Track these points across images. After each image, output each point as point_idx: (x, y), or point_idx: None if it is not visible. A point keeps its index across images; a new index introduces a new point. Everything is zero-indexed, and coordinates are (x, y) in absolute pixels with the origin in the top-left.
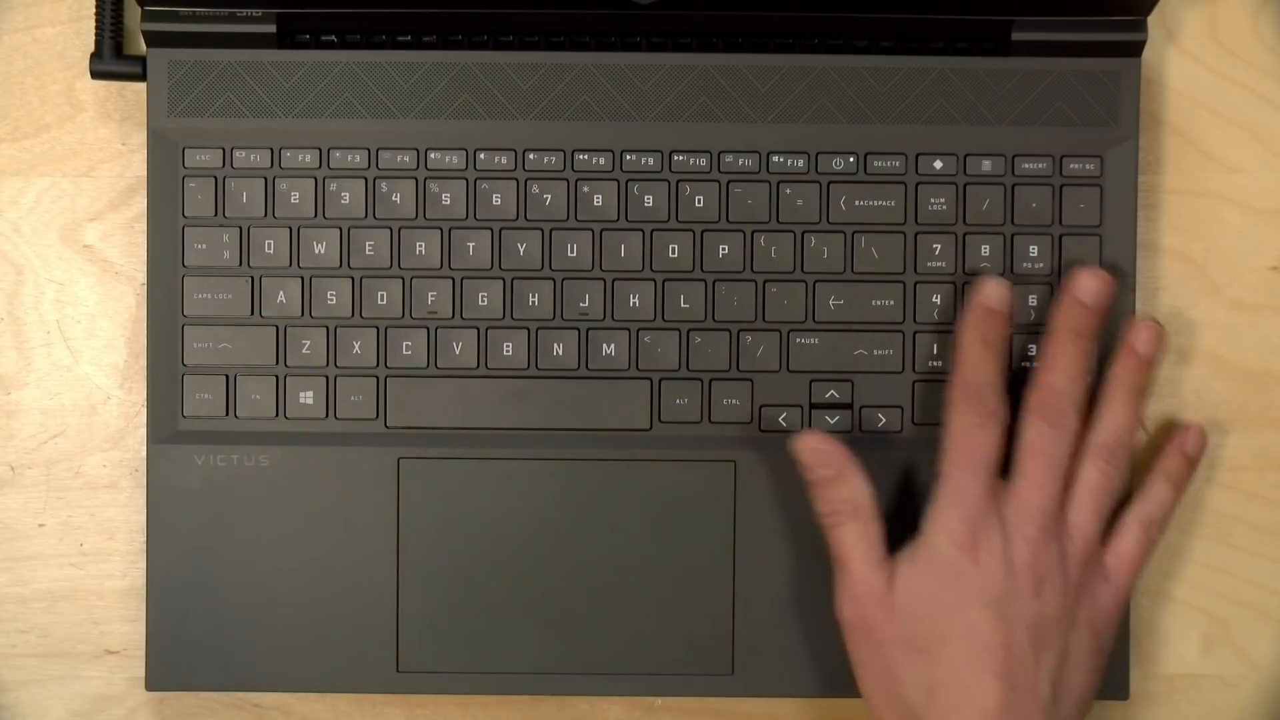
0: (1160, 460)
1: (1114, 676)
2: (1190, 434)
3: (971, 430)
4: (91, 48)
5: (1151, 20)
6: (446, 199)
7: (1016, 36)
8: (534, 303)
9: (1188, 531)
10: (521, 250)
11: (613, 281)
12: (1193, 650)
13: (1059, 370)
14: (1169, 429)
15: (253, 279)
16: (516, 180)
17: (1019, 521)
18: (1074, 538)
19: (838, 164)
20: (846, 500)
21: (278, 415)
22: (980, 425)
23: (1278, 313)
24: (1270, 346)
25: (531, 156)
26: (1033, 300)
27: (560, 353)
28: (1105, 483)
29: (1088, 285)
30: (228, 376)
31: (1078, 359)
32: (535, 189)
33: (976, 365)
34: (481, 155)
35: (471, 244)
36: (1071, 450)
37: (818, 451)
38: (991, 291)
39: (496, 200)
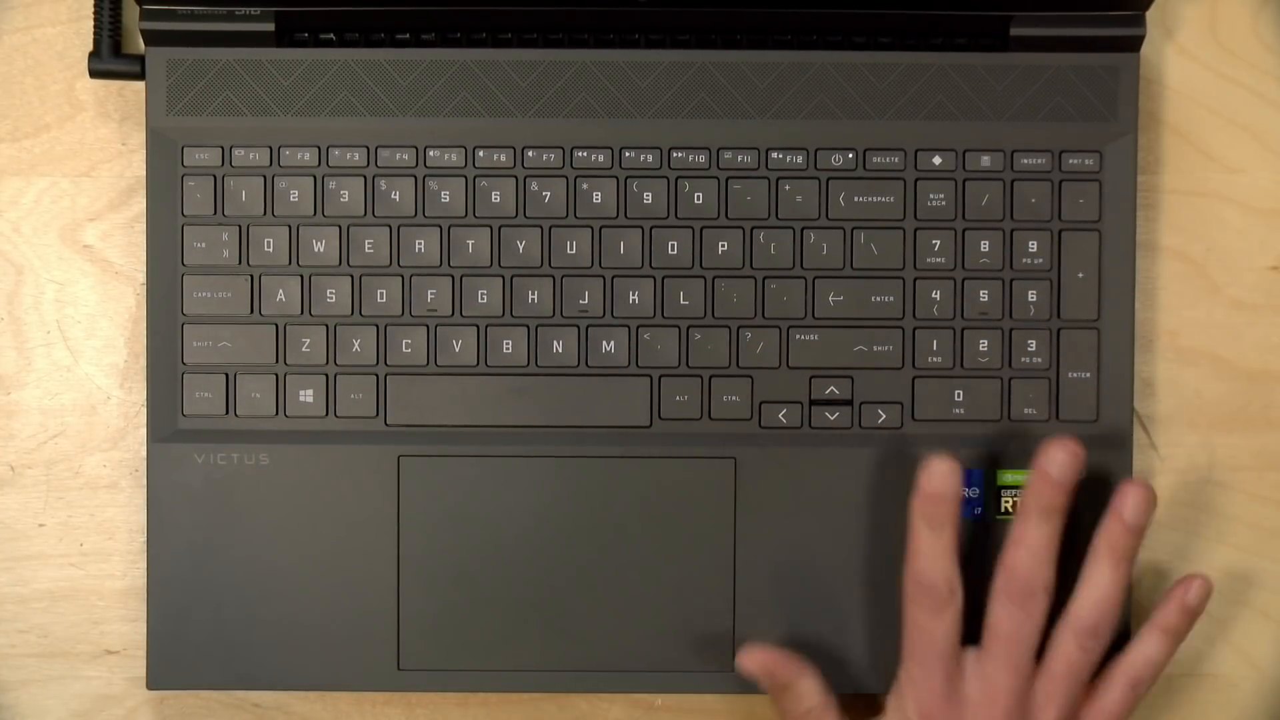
0: (1159, 614)
1: None
2: (1194, 586)
3: (926, 621)
4: (90, 47)
5: (1150, 18)
6: (445, 197)
7: (1015, 32)
8: (533, 300)
9: (1188, 531)
10: (521, 248)
11: (612, 278)
12: (1192, 650)
13: (1026, 550)
14: (1172, 585)
15: (252, 277)
16: (515, 177)
17: (985, 705)
18: (1045, 715)
19: (837, 160)
20: (802, 707)
21: (278, 414)
22: (935, 614)
23: (1278, 313)
24: (1270, 346)
25: (530, 154)
26: (1032, 296)
27: (560, 350)
28: (1086, 660)
29: (1056, 458)
30: (227, 375)
31: (1046, 538)
32: (534, 186)
33: (926, 552)
34: (480, 153)
35: (471, 241)
36: (1040, 628)
37: (763, 666)
38: (935, 473)
39: (495, 198)
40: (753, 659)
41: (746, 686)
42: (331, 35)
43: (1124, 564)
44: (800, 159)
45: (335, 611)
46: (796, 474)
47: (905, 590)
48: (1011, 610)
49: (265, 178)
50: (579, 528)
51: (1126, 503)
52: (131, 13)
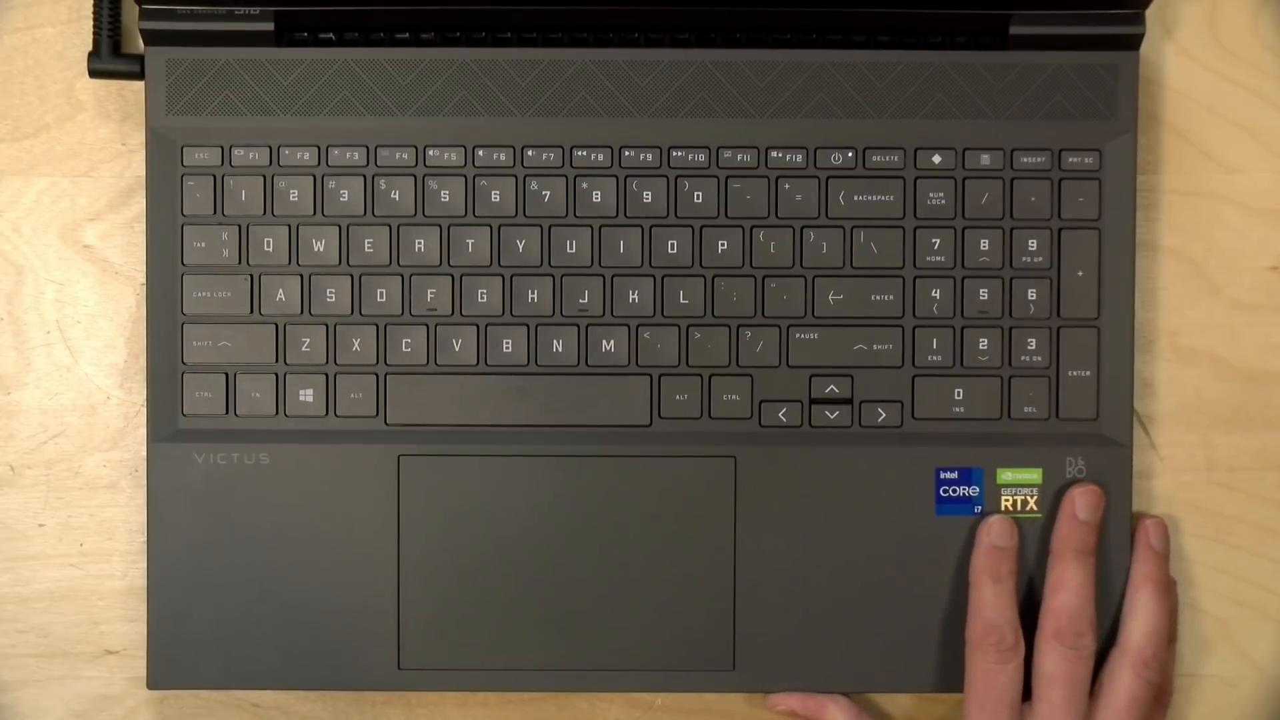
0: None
1: None
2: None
3: (993, 670)
4: (90, 47)
5: (1150, 17)
6: (445, 196)
7: (1014, 30)
8: (533, 299)
9: (1188, 531)
10: (520, 247)
11: (612, 278)
12: (1192, 650)
13: (1070, 591)
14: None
15: (252, 277)
16: (515, 177)
17: None
18: None
19: (836, 159)
20: None
21: (278, 413)
22: (1002, 662)
23: (1278, 313)
24: (1270, 346)
25: (530, 153)
26: (1032, 294)
27: (560, 349)
28: (1148, 690)
29: (1085, 503)
30: (227, 375)
31: (1086, 577)
32: (534, 185)
33: (992, 603)
34: (480, 152)
35: (470, 241)
36: (1091, 668)
37: (788, 705)
38: (997, 529)
39: (495, 197)
40: (778, 703)
41: (747, 684)
42: (331, 35)
43: (1166, 589)
44: (800, 158)
45: (335, 611)
46: (796, 473)
47: (971, 642)
48: (1064, 652)
49: (265, 177)
50: (579, 527)
51: (1151, 534)
52: (131, 12)
